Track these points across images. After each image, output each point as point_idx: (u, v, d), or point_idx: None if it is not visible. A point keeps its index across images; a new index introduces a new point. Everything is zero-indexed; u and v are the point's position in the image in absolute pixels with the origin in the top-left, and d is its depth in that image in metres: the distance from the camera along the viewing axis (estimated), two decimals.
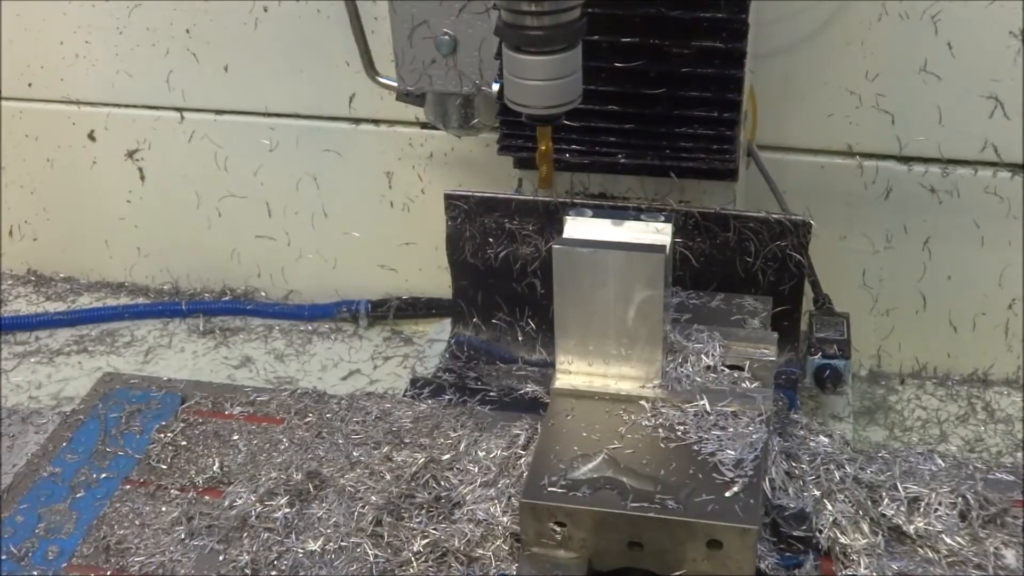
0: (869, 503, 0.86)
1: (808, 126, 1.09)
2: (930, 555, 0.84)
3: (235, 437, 1.00)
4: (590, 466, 0.82)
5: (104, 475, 0.98)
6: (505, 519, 0.85)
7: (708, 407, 0.86)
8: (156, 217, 1.30)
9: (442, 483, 0.90)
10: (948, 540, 0.84)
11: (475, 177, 1.17)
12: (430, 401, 1.01)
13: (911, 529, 0.84)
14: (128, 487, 0.97)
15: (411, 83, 1.03)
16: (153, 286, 1.34)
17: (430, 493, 0.89)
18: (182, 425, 1.03)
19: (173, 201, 1.28)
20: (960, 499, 0.87)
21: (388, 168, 1.21)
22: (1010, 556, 0.84)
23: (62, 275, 1.37)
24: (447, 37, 0.99)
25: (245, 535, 0.89)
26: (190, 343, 1.25)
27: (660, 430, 0.85)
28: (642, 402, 0.87)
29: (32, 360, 1.22)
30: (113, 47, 1.21)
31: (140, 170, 1.28)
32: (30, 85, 1.26)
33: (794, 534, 0.84)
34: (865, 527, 0.84)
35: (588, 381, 0.89)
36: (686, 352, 0.90)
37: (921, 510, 0.86)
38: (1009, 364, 1.16)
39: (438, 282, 1.19)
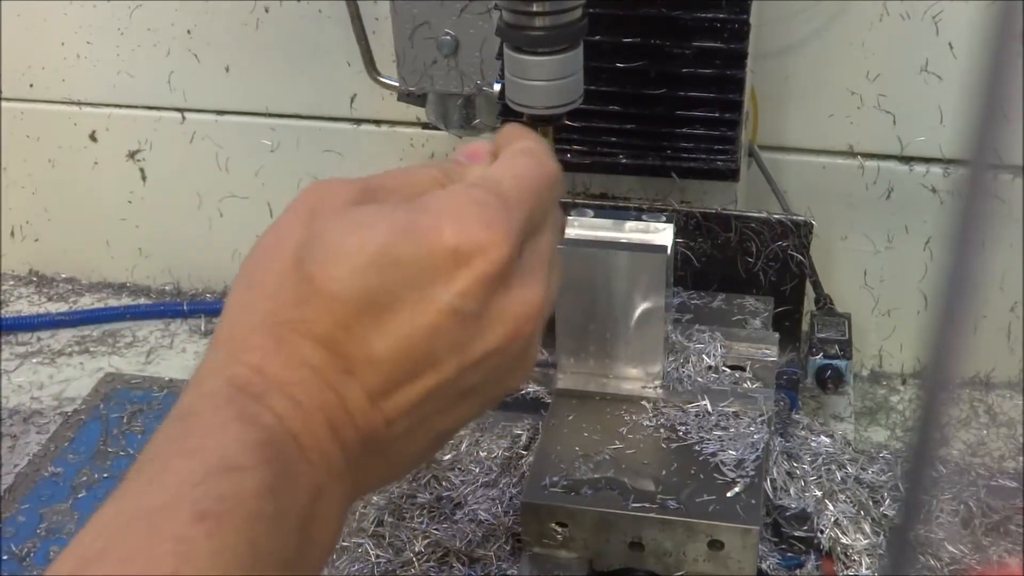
0: (871, 503, 0.86)
1: (809, 126, 1.09)
2: (932, 563, 0.84)
3: None
4: (591, 466, 0.82)
5: (106, 475, 0.98)
6: (507, 519, 0.85)
7: (709, 407, 0.86)
8: (157, 218, 1.30)
9: (443, 483, 0.90)
10: (951, 548, 0.84)
11: None
12: None
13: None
14: None
15: (412, 83, 1.03)
16: (155, 287, 1.34)
17: (431, 493, 0.89)
18: None
19: (174, 202, 1.28)
20: (962, 506, 0.87)
21: (389, 168, 1.21)
22: None
23: (63, 276, 1.36)
24: (448, 37, 0.99)
25: None
26: (192, 344, 1.24)
27: (661, 430, 0.85)
28: (643, 402, 0.87)
29: (34, 361, 1.22)
30: (114, 48, 1.21)
31: (141, 171, 1.28)
32: (31, 86, 1.26)
33: (795, 534, 0.84)
34: (867, 527, 0.84)
35: (589, 381, 0.89)
36: (687, 352, 0.90)
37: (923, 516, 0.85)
38: (1011, 367, 1.15)
39: None
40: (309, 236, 0.53)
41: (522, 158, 0.59)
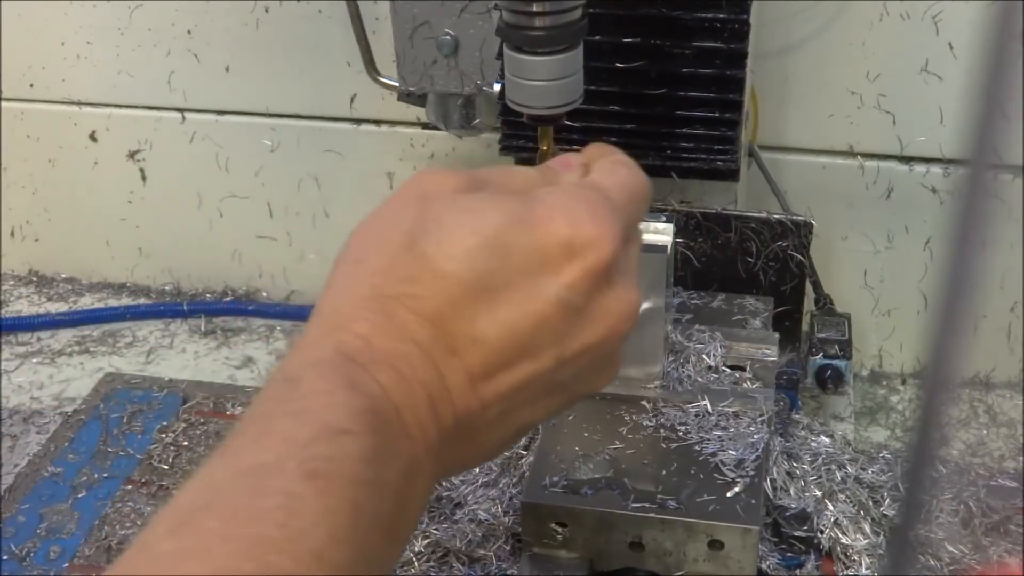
0: (871, 503, 0.86)
1: (809, 126, 1.09)
2: (932, 563, 0.84)
3: None
4: (591, 466, 0.82)
5: (106, 475, 0.98)
6: (507, 519, 0.85)
7: (709, 407, 0.86)
8: (157, 218, 1.30)
9: (443, 483, 0.90)
10: (951, 548, 0.84)
11: None
12: None
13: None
14: (130, 487, 0.97)
15: (412, 83, 1.03)
16: (155, 287, 1.34)
17: (431, 493, 0.89)
18: (184, 425, 1.03)
19: (174, 202, 1.28)
20: (962, 506, 0.87)
21: (389, 169, 1.21)
22: None
23: (63, 276, 1.36)
24: (448, 37, 0.99)
25: None
26: (191, 343, 1.25)
27: (661, 430, 0.85)
28: (643, 402, 0.87)
29: (34, 361, 1.22)
30: (114, 48, 1.21)
31: (141, 171, 1.28)
32: (31, 86, 1.26)
33: (795, 534, 0.84)
34: (867, 527, 0.84)
35: None
36: (688, 352, 0.90)
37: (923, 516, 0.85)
38: (1011, 367, 1.15)
39: None
40: (423, 218, 0.54)
41: (623, 168, 0.62)
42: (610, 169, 0.61)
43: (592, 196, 0.55)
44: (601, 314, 0.55)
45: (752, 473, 0.80)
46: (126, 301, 1.31)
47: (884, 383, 1.18)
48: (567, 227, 0.53)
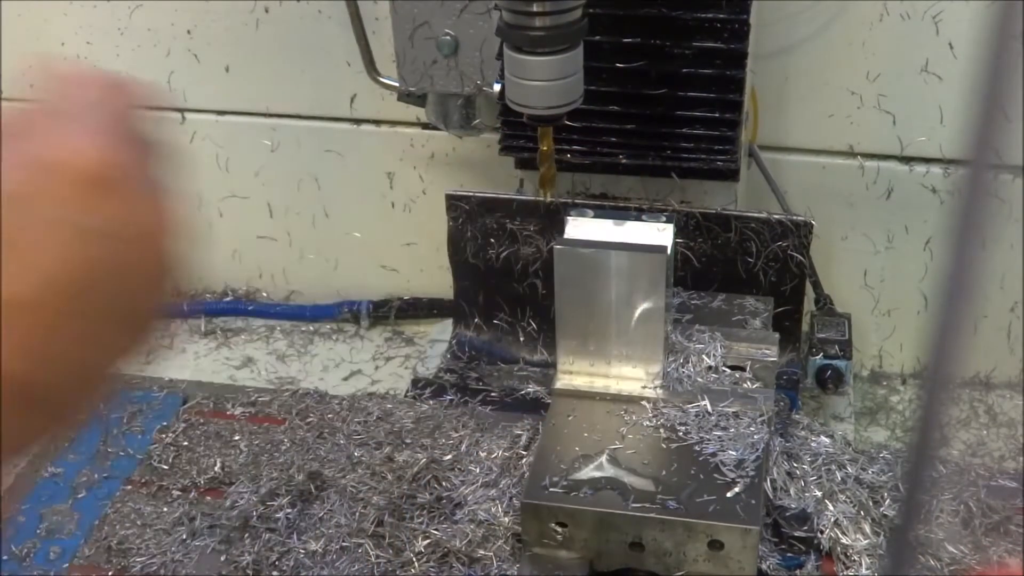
0: (871, 503, 0.86)
1: (809, 126, 1.09)
2: (932, 563, 0.84)
3: (236, 437, 1.00)
4: (591, 466, 0.82)
5: (106, 476, 0.98)
6: (507, 519, 0.85)
7: (709, 408, 0.86)
8: None
9: (444, 484, 0.90)
10: (951, 548, 0.84)
11: (476, 177, 1.17)
12: (431, 401, 1.01)
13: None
14: (130, 487, 0.97)
15: (412, 83, 1.03)
16: None
17: (431, 494, 0.89)
18: (183, 426, 1.03)
19: (174, 202, 1.28)
20: (962, 506, 0.87)
21: (389, 168, 1.21)
22: None
23: None
24: (448, 38, 0.99)
25: (247, 535, 0.89)
26: (191, 344, 1.24)
27: (661, 430, 0.85)
28: (643, 403, 0.87)
29: None
30: (114, 48, 1.21)
31: None
32: (31, 86, 1.25)
33: (795, 534, 0.84)
34: (867, 527, 0.84)
35: (589, 381, 0.89)
36: (687, 352, 0.90)
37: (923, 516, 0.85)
38: (1011, 367, 1.15)
39: (439, 282, 1.19)
40: None
41: (96, 79, 0.51)
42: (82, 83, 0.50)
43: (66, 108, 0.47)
44: (120, 227, 0.46)
45: (752, 473, 0.80)
46: None
47: (884, 383, 1.18)
48: (43, 148, 0.45)
